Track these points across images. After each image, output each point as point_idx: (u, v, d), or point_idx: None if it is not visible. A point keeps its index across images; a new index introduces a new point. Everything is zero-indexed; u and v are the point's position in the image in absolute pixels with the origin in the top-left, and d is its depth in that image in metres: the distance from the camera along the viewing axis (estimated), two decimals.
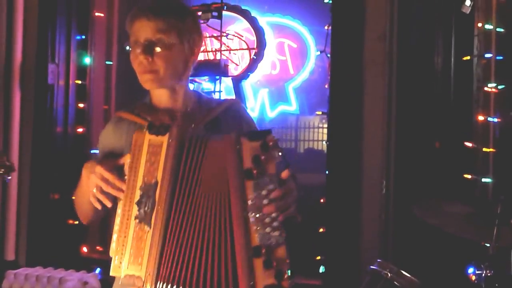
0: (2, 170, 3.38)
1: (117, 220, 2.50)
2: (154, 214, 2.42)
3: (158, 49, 2.67)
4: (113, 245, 2.48)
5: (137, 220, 2.44)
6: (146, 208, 2.43)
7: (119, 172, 2.56)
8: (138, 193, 2.46)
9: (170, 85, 2.77)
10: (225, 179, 2.40)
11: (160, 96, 2.80)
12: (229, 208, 2.38)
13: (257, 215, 2.35)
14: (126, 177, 2.51)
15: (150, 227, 2.42)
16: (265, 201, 2.35)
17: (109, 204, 2.54)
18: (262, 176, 2.36)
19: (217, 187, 2.41)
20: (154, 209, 2.42)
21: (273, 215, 2.34)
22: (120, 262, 2.44)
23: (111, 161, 2.60)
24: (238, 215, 2.36)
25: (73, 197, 2.82)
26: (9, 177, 3.41)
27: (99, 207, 2.57)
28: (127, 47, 2.74)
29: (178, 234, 2.41)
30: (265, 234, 2.33)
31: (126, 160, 2.54)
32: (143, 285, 2.39)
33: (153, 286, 2.38)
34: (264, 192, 2.35)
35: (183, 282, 2.37)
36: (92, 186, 2.56)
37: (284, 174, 2.40)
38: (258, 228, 2.34)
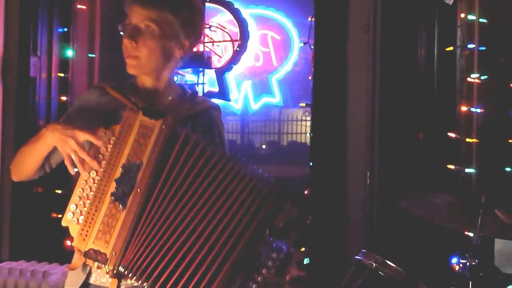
0: None
1: (77, 191, 2.46)
2: (131, 196, 2.41)
3: (143, 36, 2.66)
4: (68, 215, 2.44)
5: (113, 197, 2.41)
6: (124, 188, 2.41)
7: (89, 142, 2.52)
8: (119, 171, 2.43)
9: (152, 74, 2.76)
10: (246, 211, 2.41)
11: (144, 81, 2.79)
12: (235, 237, 2.39)
13: (256, 269, 2.38)
14: (104, 150, 2.48)
15: (125, 207, 2.40)
16: (269, 263, 2.38)
17: (85, 172, 2.47)
18: (282, 240, 2.41)
19: (228, 206, 2.42)
20: (132, 190, 2.41)
21: (268, 279, 2.38)
22: (86, 235, 2.40)
23: (88, 130, 2.52)
24: (240, 258, 2.38)
25: (19, 151, 2.74)
26: None
27: (72, 172, 2.52)
28: (122, 32, 2.73)
29: (154, 223, 2.41)
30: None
31: (100, 133, 2.50)
32: (106, 263, 2.39)
33: (116, 267, 2.39)
34: (274, 255, 2.38)
35: (142, 272, 2.39)
36: (69, 150, 2.49)
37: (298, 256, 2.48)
38: (249, 278, 2.38)
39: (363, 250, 3.58)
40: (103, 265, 2.40)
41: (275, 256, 2.37)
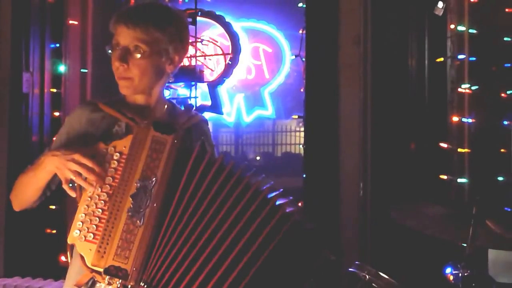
0: None
1: (82, 208, 2.45)
2: (148, 210, 2.41)
3: (134, 57, 2.66)
4: (75, 232, 2.43)
5: (129, 213, 2.41)
6: (141, 203, 2.42)
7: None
8: (134, 186, 2.44)
9: (145, 91, 2.76)
10: (267, 237, 2.42)
11: (136, 98, 2.79)
12: (253, 256, 2.40)
13: None
14: (108, 166, 2.48)
15: (143, 223, 2.40)
16: None
17: (91, 188, 2.47)
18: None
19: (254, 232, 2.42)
20: (148, 205, 2.42)
21: None
22: (104, 252, 2.40)
23: (88, 149, 2.55)
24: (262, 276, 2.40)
25: (18, 181, 2.73)
26: None
27: (73, 194, 2.51)
28: (109, 51, 2.71)
29: (174, 238, 2.40)
30: None
31: (101, 148, 2.51)
32: (127, 279, 2.38)
33: (137, 283, 2.38)
34: None
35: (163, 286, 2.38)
36: (68, 173, 2.49)
37: None
38: None
39: (357, 262, 3.59)
40: (118, 281, 2.39)
41: None
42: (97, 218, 2.43)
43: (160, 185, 2.44)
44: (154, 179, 2.45)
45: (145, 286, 2.39)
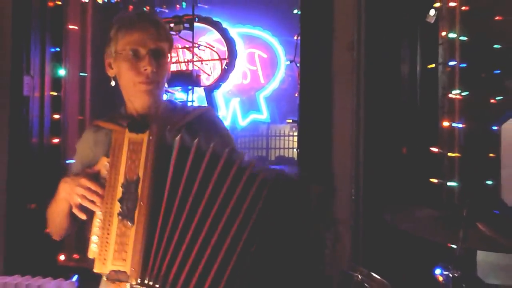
0: None
1: (96, 222, 2.50)
2: (137, 210, 2.43)
3: (160, 59, 2.72)
4: (92, 246, 2.48)
5: (120, 217, 2.43)
6: (128, 205, 2.43)
7: (98, 180, 2.56)
8: (120, 191, 2.46)
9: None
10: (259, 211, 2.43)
11: (140, 104, 2.81)
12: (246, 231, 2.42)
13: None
14: (106, 176, 2.52)
15: (134, 223, 2.42)
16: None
17: (97, 210, 2.51)
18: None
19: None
20: (136, 205, 2.43)
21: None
22: (105, 259, 2.43)
23: (93, 171, 2.59)
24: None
25: (47, 213, 2.80)
26: None
27: (83, 217, 2.57)
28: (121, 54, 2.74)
29: (169, 231, 2.42)
30: None
31: (103, 162, 2.55)
32: (128, 280, 2.40)
33: (139, 281, 2.40)
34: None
35: (170, 280, 2.40)
36: (75, 198, 2.55)
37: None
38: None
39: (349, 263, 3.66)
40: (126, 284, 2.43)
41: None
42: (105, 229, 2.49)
43: (144, 183, 2.45)
44: (136, 179, 2.45)
45: (151, 283, 2.40)
